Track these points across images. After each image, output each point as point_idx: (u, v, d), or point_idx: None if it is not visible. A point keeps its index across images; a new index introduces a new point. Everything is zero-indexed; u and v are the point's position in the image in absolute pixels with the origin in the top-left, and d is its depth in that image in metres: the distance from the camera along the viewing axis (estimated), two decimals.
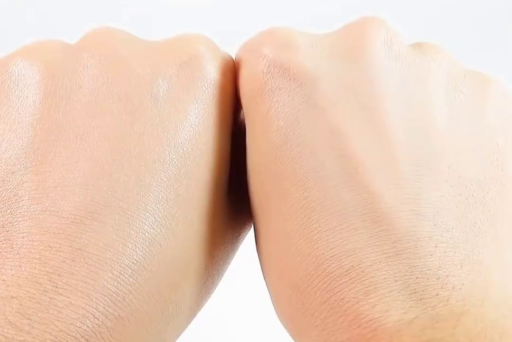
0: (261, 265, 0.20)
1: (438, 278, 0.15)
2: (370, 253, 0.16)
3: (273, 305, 0.19)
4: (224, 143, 0.21)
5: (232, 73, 0.22)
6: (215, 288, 0.21)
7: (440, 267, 0.16)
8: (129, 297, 0.15)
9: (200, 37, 0.22)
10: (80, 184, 0.17)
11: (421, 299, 0.15)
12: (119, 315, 0.15)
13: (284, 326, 0.19)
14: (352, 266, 0.16)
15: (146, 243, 0.16)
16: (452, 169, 0.18)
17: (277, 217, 0.18)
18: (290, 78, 0.20)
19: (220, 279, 0.21)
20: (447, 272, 0.15)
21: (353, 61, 0.20)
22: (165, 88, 0.19)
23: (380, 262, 0.16)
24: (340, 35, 0.21)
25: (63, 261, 0.15)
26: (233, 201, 0.22)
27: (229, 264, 0.22)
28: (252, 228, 0.21)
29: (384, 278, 0.15)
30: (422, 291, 0.15)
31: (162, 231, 0.17)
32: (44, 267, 0.15)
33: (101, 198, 0.16)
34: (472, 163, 0.18)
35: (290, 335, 0.19)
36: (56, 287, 0.14)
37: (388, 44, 0.20)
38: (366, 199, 0.17)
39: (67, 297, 0.14)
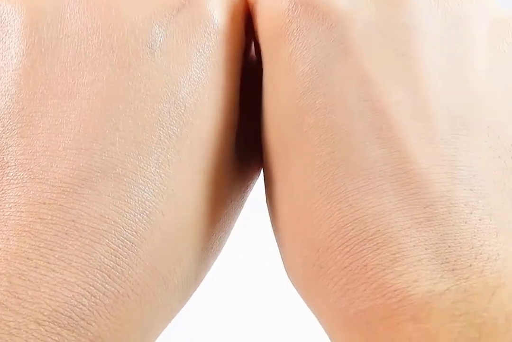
0: (272, 222, 0.19)
1: (472, 247, 0.14)
2: (399, 217, 0.15)
3: (285, 266, 0.18)
4: (231, 95, 0.19)
5: (241, 15, 0.19)
6: (221, 250, 0.20)
7: (474, 235, 0.14)
8: (129, 272, 0.14)
9: None
10: (71, 148, 0.15)
11: (453, 270, 0.14)
12: (118, 291, 0.14)
13: (296, 288, 0.18)
14: (378, 230, 0.15)
15: (147, 212, 0.15)
16: (492, 129, 0.16)
17: (296, 172, 0.17)
18: (319, 18, 0.18)
19: (226, 239, 0.20)
20: (482, 241, 0.14)
21: (392, 4, 0.18)
22: (163, 37, 0.17)
23: (409, 227, 0.15)
24: None
25: (55, 234, 0.14)
26: (242, 152, 0.20)
27: (235, 221, 0.21)
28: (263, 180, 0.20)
29: (414, 245, 0.14)
30: (455, 260, 0.14)
31: (164, 198, 0.15)
32: (35, 240, 0.14)
33: (95, 163, 0.15)
34: None
35: (302, 299, 0.18)
36: (48, 263, 0.13)
37: None
38: (397, 158, 0.15)
39: (60, 274, 0.13)
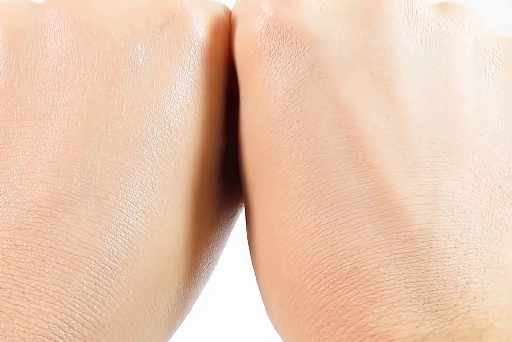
0: (251, 257, 0.18)
1: (457, 286, 0.13)
2: (377, 253, 0.14)
3: (264, 304, 0.17)
4: (216, 115, 0.18)
5: (226, 33, 0.19)
6: (210, 276, 0.19)
7: (459, 272, 0.13)
8: (110, 301, 0.13)
9: None
10: (49, 170, 0.14)
11: (436, 311, 0.13)
12: (99, 322, 0.13)
13: (275, 329, 0.16)
14: (355, 267, 0.14)
15: (129, 236, 0.14)
16: (477, 156, 0.15)
17: (269, 203, 0.16)
18: (292, 42, 0.17)
19: (215, 265, 0.19)
20: (468, 278, 0.13)
21: (367, 25, 0.17)
22: (146, 55, 0.17)
23: (388, 264, 0.13)
24: None
25: (31, 262, 0.13)
26: (230, 176, 0.19)
27: (224, 247, 0.20)
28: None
29: (393, 284, 0.13)
30: (438, 300, 0.13)
31: (148, 221, 0.15)
32: (9, 269, 0.13)
33: (74, 186, 0.14)
34: (500, 149, 0.16)
35: (282, 339, 0.16)
36: (23, 292, 0.12)
37: (408, 6, 0.17)
38: (374, 188, 0.14)
39: (35, 304, 0.12)
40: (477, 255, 0.14)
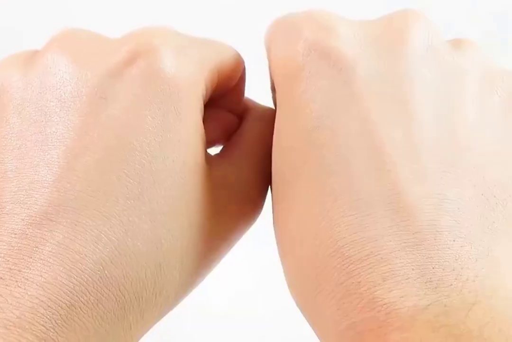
0: (278, 244, 0.20)
1: (453, 270, 0.16)
2: (391, 241, 0.17)
3: (287, 282, 0.20)
4: (187, 139, 0.20)
5: (202, 66, 0.21)
6: (194, 285, 0.22)
7: (456, 259, 0.16)
8: (80, 288, 0.17)
9: (158, 29, 0.21)
10: (37, 187, 0.18)
11: (435, 288, 0.16)
12: (71, 304, 0.16)
13: (296, 304, 0.19)
14: (372, 252, 0.17)
15: (95, 238, 0.18)
16: (477, 170, 0.18)
17: (303, 197, 0.19)
18: (329, 64, 0.20)
19: (208, 270, 0.22)
20: (462, 264, 0.16)
21: (392, 55, 0.20)
22: (114, 88, 0.20)
23: (399, 250, 0.16)
24: (381, 26, 0.21)
25: (23, 258, 0.17)
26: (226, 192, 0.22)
27: (222, 257, 0.22)
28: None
29: (402, 266, 0.16)
30: (438, 280, 0.16)
31: (113, 227, 0.18)
32: (7, 264, 0.17)
33: (54, 199, 0.18)
34: (497, 166, 0.19)
35: (301, 312, 0.19)
36: (16, 281, 0.16)
37: (428, 41, 0.21)
38: (391, 189, 0.18)
39: (24, 289, 0.16)
40: (471, 247, 0.17)
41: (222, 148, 0.24)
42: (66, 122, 0.19)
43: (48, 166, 0.18)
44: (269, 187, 0.23)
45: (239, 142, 0.24)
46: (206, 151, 0.22)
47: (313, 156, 0.19)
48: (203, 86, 0.21)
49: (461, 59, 0.21)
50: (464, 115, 0.20)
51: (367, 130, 0.19)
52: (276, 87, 0.22)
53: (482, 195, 0.18)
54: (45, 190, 0.18)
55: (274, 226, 0.21)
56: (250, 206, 0.23)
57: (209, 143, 0.23)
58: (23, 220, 0.17)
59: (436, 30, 0.21)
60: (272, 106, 0.25)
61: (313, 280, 0.18)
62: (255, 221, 0.24)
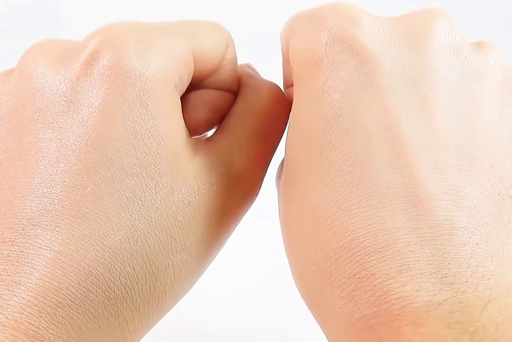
0: (286, 233, 0.20)
1: (469, 266, 0.16)
2: (407, 234, 0.16)
3: (294, 273, 0.19)
4: (162, 132, 0.20)
5: (170, 56, 0.21)
6: (193, 273, 0.21)
7: (471, 256, 0.16)
8: (65, 286, 0.17)
9: (117, 25, 0.21)
10: (21, 197, 0.19)
11: (451, 283, 0.16)
12: (58, 302, 0.17)
13: (302, 294, 0.19)
14: (388, 244, 0.16)
15: (76, 238, 0.18)
16: (494, 169, 0.18)
17: (317, 187, 0.19)
18: (352, 54, 0.20)
19: (205, 262, 0.22)
20: (478, 262, 0.16)
21: (416, 50, 0.20)
22: (80, 91, 0.20)
23: (415, 244, 0.16)
24: (406, 22, 0.21)
25: (11, 263, 0.17)
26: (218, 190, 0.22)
27: (206, 255, 0.22)
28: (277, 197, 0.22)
29: (418, 260, 0.16)
30: (453, 276, 0.16)
31: (92, 226, 0.18)
32: None
33: (36, 205, 0.18)
34: None
35: (307, 304, 0.19)
36: (6, 285, 0.17)
37: (452, 40, 0.21)
38: (409, 182, 0.17)
39: (12, 291, 0.17)
40: (486, 246, 0.17)
41: (216, 130, 0.24)
42: (39, 131, 0.19)
43: (25, 175, 0.19)
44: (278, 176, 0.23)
45: (230, 124, 0.23)
46: (188, 139, 0.21)
47: (332, 145, 0.19)
48: (174, 76, 0.21)
49: (482, 60, 0.21)
50: (484, 115, 0.20)
51: (387, 123, 0.18)
52: (295, 76, 0.21)
53: (498, 194, 0.18)
54: (25, 198, 0.18)
55: (282, 214, 0.21)
56: (245, 190, 0.23)
57: (202, 127, 0.23)
58: (10, 228, 0.18)
59: (460, 31, 0.21)
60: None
61: (324, 270, 0.17)
62: (251, 206, 0.23)
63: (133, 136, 0.19)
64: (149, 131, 0.19)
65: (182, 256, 0.20)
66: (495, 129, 0.19)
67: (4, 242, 0.18)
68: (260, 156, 0.23)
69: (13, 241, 0.18)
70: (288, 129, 0.21)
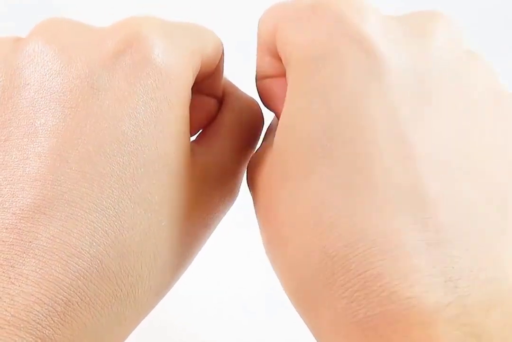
0: (275, 234, 0.20)
1: (472, 271, 0.16)
2: (415, 236, 0.17)
3: (283, 275, 0.19)
4: (178, 128, 0.20)
5: (189, 53, 0.21)
6: (185, 269, 0.22)
7: (474, 262, 0.16)
8: (77, 283, 0.16)
9: (144, 19, 0.21)
10: (28, 180, 0.17)
11: (455, 287, 0.16)
12: (68, 300, 0.16)
13: (293, 300, 0.19)
14: (396, 245, 0.16)
15: (91, 231, 0.17)
16: (495, 176, 0.19)
17: (321, 184, 0.18)
18: (360, 49, 0.19)
19: (190, 259, 0.22)
20: (480, 266, 0.16)
21: (422, 50, 0.20)
22: (106, 78, 0.19)
23: (421, 247, 0.16)
24: (410, 21, 0.21)
25: (16, 254, 0.16)
26: (208, 180, 0.22)
27: (202, 245, 0.22)
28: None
29: (424, 262, 0.16)
30: (457, 279, 0.16)
31: (108, 220, 0.18)
32: None
33: (47, 192, 0.17)
34: (509, 175, 0.19)
35: (298, 307, 0.19)
36: (9, 277, 0.16)
37: (455, 44, 0.21)
38: (416, 185, 0.17)
39: (18, 286, 0.16)
40: (488, 251, 0.17)
41: (200, 134, 0.24)
42: (57, 114, 0.19)
43: (39, 159, 0.18)
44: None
45: (220, 131, 0.24)
46: (190, 139, 0.22)
47: (337, 142, 0.18)
48: (191, 74, 0.21)
49: (476, 69, 0.21)
50: (479, 120, 0.20)
51: (394, 122, 0.18)
52: (292, 71, 0.21)
53: (501, 199, 0.18)
54: (37, 183, 0.17)
55: (269, 214, 0.20)
56: (230, 193, 0.23)
57: (192, 130, 0.23)
58: (14, 213, 0.17)
59: (463, 35, 0.21)
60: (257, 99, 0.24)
61: (325, 270, 0.17)
62: (231, 207, 0.24)
63: (154, 129, 0.19)
64: (170, 126, 0.20)
65: (177, 255, 0.20)
66: (490, 137, 0.20)
67: (6, 229, 0.16)
68: (245, 163, 0.24)
69: (19, 229, 0.16)
70: (282, 122, 0.20)
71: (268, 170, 0.21)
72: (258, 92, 0.24)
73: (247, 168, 0.23)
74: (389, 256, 0.16)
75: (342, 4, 0.20)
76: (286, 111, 0.20)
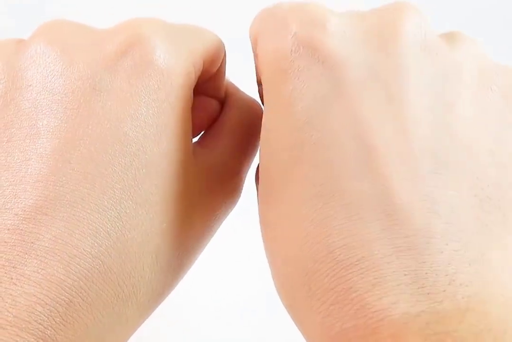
0: (265, 247, 0.20)
1: (447, 275, 0.16)
2: (382, 245, 0.16)
3: (277, 288, 0.19)
4: (180, 129, 0.20)
5: (191, 55, 0.21)
6: (187, 269, 0.22)
7: (449, 263, 0.16)
8: (79, 284, 0.16)
9: (146, 20, 0.21)
10: (30, 181, 0.17)
11: (428, 294, 0.15)
12: (70, 300, 0.16)
13: (287, 310, 0.19)
14: (363, 256, 0.16)
15: (93, 232, 0.17)
16: (471, 170, 0.18)
17: (291, 199, 0.18)
18: (319, 60, 0.19)
19: (193, 260, 0.22)
20: (456, 269, 0.16)
21: (385, 51, 0.19)
22: (108, 80, 0.19)
23: (391, 255, 0.16)
24: (373, 20, 0.20)
25: (17, 254, 0.16)
26: (210, 180, 0.22)
27: (204, 246, 0.22)
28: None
29: (394, 271, 0.16)
30: (430, 286, 0.15)
31: (110, 220, 0.18)
32: (1, 260, 0.16)
33: (49, 192, 0.17)
34: (491, 165, 0.18)
35: (291, 317, 0.19)
36: (11, 278, 0.16)
37: (421, 35, 0.20)
38: (383, 191, 0.17)
39: (20, 287, 0.16)
40: (465, 251, 0.16)
41: (202, 135, 0.24)
42: (59, 115, 0.19)
43: (42, 160, 0.18)
44: (256, 183, 0.23)
45: (223, 132, 0.23)
46: (192, 140, 0.22)
47: (303, 156, 0.18)
48: (192, 75, 0.21)
49: (455, 54, 0.20)
50: (459, 114, 0.19)
51: (358, 131, 0.18)
52: (263, 83, 0.21)
53: (475, 196, 0.18)
54: (39, 184, 0.17)
55: (261, 227, 0.20)
56: (232, 194, 0.23)
57: (194, 131, 0.23)
58: (16, 214, 0.17)
59: (429, 24, 0.20)
60: (258, 99, 0.24)
61: (303, 284, 0.17)
62: (233, 209, 0.24)
63: (156, 130, 0.19)
64: (171, 127, 0.20)
65: (178, 256, 0.20)
66: (472, 128, 0.19)
67: (8, 229, 0.16)
68: (247, 164, 0.24)
69: (20, 230, 0.16)
70: (261, 134, 0.21)
71: (259, 177, 0.21)
72: (259, 96, 0.24)
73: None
74: (357, 268, 0.16)
75: (298, 16, 0.20)
76: (263, 119, 0.21)
